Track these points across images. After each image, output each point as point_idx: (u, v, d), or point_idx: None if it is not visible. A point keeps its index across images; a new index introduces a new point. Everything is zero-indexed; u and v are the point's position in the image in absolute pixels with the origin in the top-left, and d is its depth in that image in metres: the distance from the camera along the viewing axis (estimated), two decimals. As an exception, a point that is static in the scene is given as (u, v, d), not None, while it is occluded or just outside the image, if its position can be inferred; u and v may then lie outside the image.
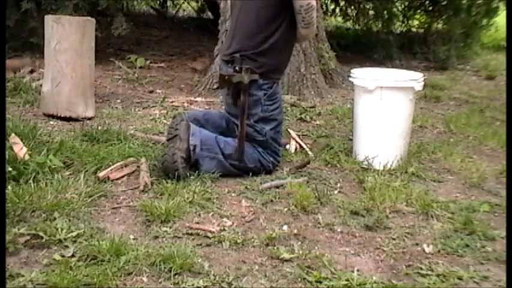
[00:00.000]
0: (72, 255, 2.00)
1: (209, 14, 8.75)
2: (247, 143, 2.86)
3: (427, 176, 3.03)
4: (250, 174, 2.88)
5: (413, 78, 3.12)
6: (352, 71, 3.23)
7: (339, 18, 8.36)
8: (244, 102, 2.82)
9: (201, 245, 2.16)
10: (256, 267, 2.03)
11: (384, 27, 7.20)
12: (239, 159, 2.84)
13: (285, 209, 2.53)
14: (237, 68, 2.82)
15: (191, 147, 2.77)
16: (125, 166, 2.82)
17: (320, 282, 1.94)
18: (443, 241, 2.29)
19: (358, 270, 2.03)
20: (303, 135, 3.62)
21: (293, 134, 3.45)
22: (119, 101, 4.30)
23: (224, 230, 2.29)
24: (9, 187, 2.42)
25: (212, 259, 2.06)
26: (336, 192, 2.76)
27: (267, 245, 2.19)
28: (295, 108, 4.29)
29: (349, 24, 8.18)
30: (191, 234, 2.24)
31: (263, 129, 2.89)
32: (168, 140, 2.82)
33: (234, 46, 2.90)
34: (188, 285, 1.88)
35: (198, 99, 4.47)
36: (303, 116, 4.10)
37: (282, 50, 2.95)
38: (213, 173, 2.80)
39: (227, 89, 2.90)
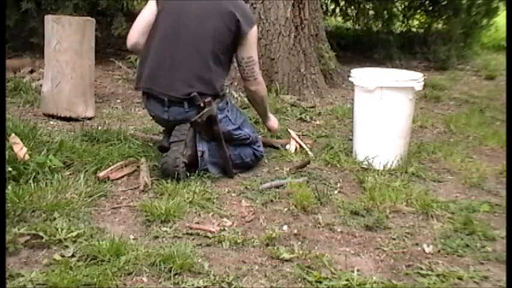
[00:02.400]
0: (72, 255, 2.00)
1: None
2: (239, 145, 2.94)
3: (427, 176, 3.03)
4: (250, 174, 2.90)
5: (413, 78, 3.12)
6: (352, 71, 3.23)
7: (339, 18, 8.35)
8: (219, 129, 2.80)
9: (201, 245, 2.16)
10: (256, 267, 2.03)
11: (384, 27, 7.19)
12: (231, 177, 2.85)
13: (285, 209, 2.53)
14: (201, 104, 2.75)
15: (199, 154, 2.77)
16: (125, 166, 2.82)
17: (320, 282, 1.94)
18: (443, 241, 2.29)
19: (358, 270, 2.03)
20: (303, 135, 3.62)
21: (293, 134, 3.45)
22: (119, 101, 4.31)
23: (224, 230, 2.29)
24: (9, 187, 2.42)
25: (212, 259, 2.06)
26: (336, 192, 2.76)
27: (267, 245, 2.19)
28: (295, 108, 4.28)
29: (349, 24, 8.18)
30: (191, 234, 2.24)
31: (245, 134, 2.96)
32: (171, 142, 2.75)
33: (184, 88, 2.75)
34: (188, 285, 1.88)
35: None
36: (303, 116, 4.10)
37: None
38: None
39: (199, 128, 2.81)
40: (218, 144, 2.83)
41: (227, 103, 2.94)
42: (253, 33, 2.92)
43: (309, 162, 3.08)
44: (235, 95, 4.28)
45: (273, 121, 3.37)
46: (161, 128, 3.57)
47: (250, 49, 2.95)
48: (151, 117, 3.11)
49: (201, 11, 2.83)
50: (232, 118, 2.91)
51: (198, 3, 2.86)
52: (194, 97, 2.74)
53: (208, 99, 2.76)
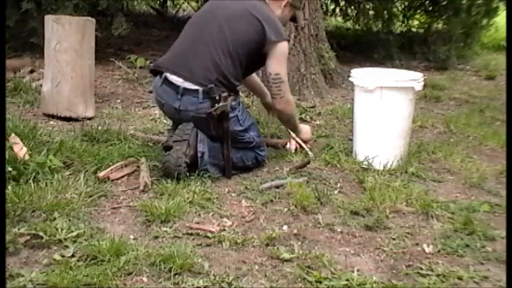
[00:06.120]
0: (72, 255, 2.00)
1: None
2: (242, 148, 2.93)
3: (427, 176, 3.03)
4: (250, 174, 2.90)
5: (413, 78, 3.12)
6: (352, 71, 3.23)
7: (339, 18, 8.34)
8: (228, 127, 2.81)
9: (201, 245, 2.16)
10: (256, 267, 2.03)
11: (384, 27, 7.19)
12: (228, 178, 2.85)
13: (285, 209, 2.53)
14: (216, 97, 2.75)
15: (199, 154, 2.77)
16: (125, 166, 2.82)
17: (320, 282, 1.94)
18: (443, 241, 2.29)
19: (358, 270, 2.03)
20: (303, 135, 3.62)
21: (293, 134, 3.44)
22: (119, 101, 4.30)
23: (224, 230, 2.29)
24: (9, 187, 2.42)
25: (212, 259, 2.06)
26: (336, 192, 2.76)
27: (267, 245, 2.19)
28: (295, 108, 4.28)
29: (349, 24, 8.17)
30: (191, 234, 2.24)
31: (250, 137, 2.95)
32: (174, 141, 2.73)
33: (202, 74, 2.77)
34: (188, 285, 1.88)
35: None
36: (303, 116, 4.10)
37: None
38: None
39: (211, 122, 2.80)
40: (224, 143, 2.82)
41: (239, 104, 2.93)
42: (282, 46, 2.93)
43: (309, 162, 3.08)
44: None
45: (305, 132, 3.31)
46: (161, 128, 3.59)
47: (278, 64, 2.94)
48: (159, 107, 3.05)
49: (232, 14, 2.89)
50: (241, 119, 2.90)
51: (232, 7, 2.92)
52: (211, 89, 2.74)
53: (225, 94, 2.76)
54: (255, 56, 2.91)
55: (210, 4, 3.03)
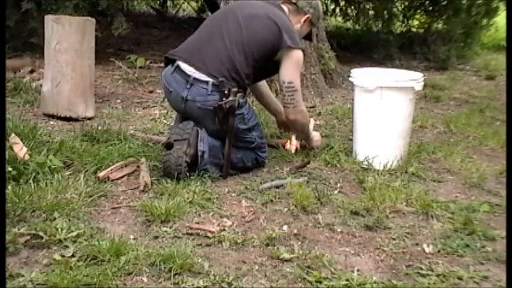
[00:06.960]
0: (72, 255, 2.00)
1: (209, 14, 8.75)
2: (243, 148, 2.92)
3: (427, 176, 3.03)
4: (250, 174, 2.90)
5: (413, 78, 3.12)
6: (352, 71, 3.23)
7: (339, 18, 8.35)
8: (233, 123, 2.79)
9: (201, 245, 2.16)
10: (256, 267, 2.03)
11: (384, 27, 7.20)
12: (224, 177, 2.84)
13: (285, 209, 2.53)
14: (226, 91, 2.74)
15: (199, 153, 2.76)
16: (125, 166, 2.82)
17: (320, 282, 1.94)
18: (443, 241, 2.29)
19: (358, 270, 2.03)
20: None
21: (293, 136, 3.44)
22: (119, 101, 4.30)
23: (224, 230, 2.29)
24: (9, 187, 2.42)
25: (212, 259, 2.07)
26: (336, 192, 2.76)
27: (267, 245, 2.19)
28: (295, 108, 4.27)
29: (349, 24, 8.18)
30: (191, 234, 2.24)
31: (252, 137, 2.94)
32: (175, 140, 2.72)
33: (215, 69, 2.77)
34: (188, 285, 1.88)
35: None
36: (303, 116, 4.09)
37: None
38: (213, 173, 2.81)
39: (216, 116, 2.79)
40: (225, 140, 2.80)
41: (246, 102, 2.92)
42: (297, 54, 2.92)
43: (309, 162, 3.08)
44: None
45: (316, 140, 3.31)
46: (161, 128, 3.59)
47: (292, 72, 2.93)
48: (166, 95, 3.03)
49: (252, 15, 2.92)
50: (246, 118, 2.88)
51: (253, 9, 2.95)
52: (221, 82, 2.74)
53: (235, 89, 2.75)
54: (268, 61, 2.90)
55: (231, 4, 3.08)
